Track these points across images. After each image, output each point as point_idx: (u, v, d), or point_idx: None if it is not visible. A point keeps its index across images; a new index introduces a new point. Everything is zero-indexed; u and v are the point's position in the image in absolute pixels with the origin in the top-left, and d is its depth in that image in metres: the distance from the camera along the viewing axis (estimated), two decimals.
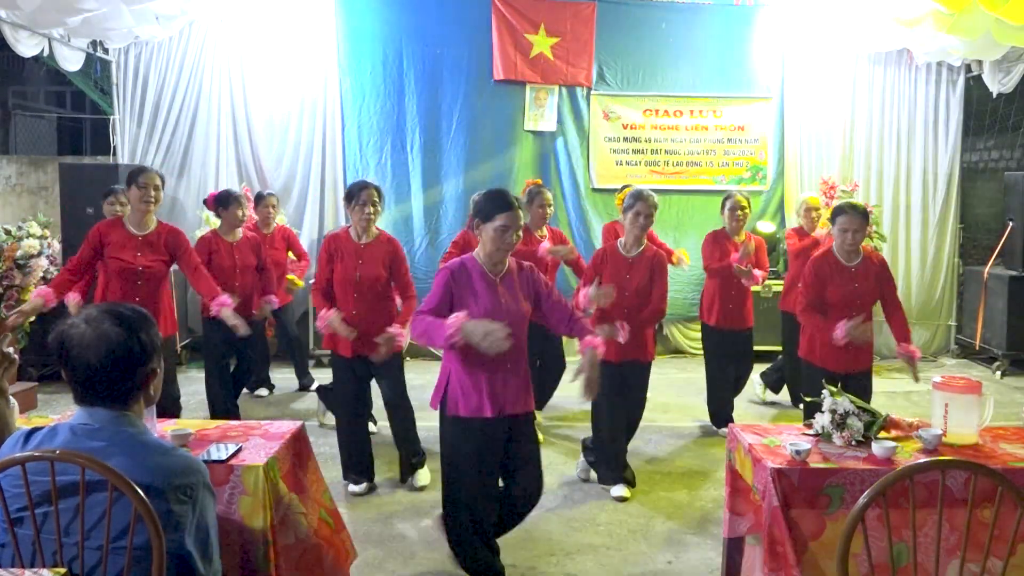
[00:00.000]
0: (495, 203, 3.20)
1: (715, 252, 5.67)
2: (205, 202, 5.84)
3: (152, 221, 4.57)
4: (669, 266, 4.83)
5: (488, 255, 3.22)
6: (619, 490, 4.52)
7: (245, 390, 6.36)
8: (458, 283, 3.18)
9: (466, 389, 3.20)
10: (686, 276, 7.67)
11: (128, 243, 4.49)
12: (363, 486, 4.56)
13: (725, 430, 5.38)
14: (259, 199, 6.51)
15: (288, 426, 3.10)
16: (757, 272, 5.57)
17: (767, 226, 8.05)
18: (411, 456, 4.67)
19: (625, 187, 5.90)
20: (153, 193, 4.50)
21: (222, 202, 5.58)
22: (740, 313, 5.69)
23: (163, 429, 2.92)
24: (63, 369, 1.89)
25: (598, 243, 7.97)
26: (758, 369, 6.29)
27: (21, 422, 2.87)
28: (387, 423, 4.84)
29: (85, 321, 1.88)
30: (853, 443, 2.94)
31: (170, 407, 4.55)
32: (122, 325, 1.88)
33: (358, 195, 4.44)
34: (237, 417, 5.58)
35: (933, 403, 3.07)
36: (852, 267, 4.16)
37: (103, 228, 4.53)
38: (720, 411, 5.71)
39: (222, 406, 5.50)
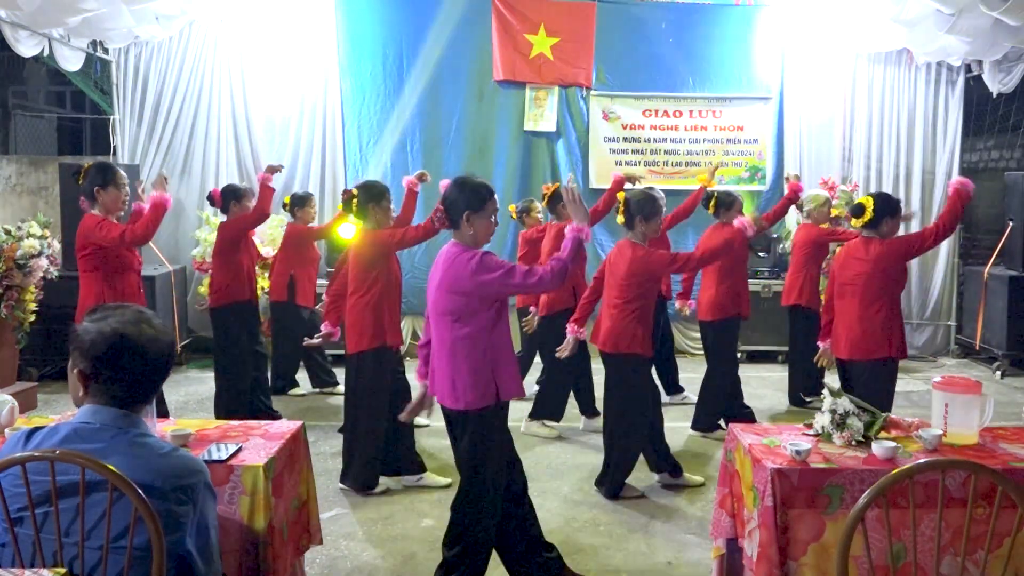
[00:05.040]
0: (482, 191, 3.23)
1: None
2: (209, 198, 5.79)
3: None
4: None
5: (479, 243, 3.24)
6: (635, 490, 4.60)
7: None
8: None
9: (510, 373, 3.20)
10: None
11: None
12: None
13: (721, 431, 5.45)
14: (303, 201, 6.45)
15: (288, 426, 3.10)
16: None
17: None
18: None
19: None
20: (128, 190, 4.48)
21: (235, 195, 5.57)
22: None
23: (163, 429, 2.91)
24: (104, 369, 1.87)
25: (597, 244, 7.99)
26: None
27: (21, 422, 2.88)
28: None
29: (139, 322, 1.90)
30: (853, 443, 2.94)
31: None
32: (167, 329, 1.98)
33: (387, 194, 4.57)
34: (276, 416, 5.60)
35: (933, 403, 3.07)
36: None
37: (98, 224, 4.28)
38: (732, 408, 5.65)
39: (257, 405, 5.53)
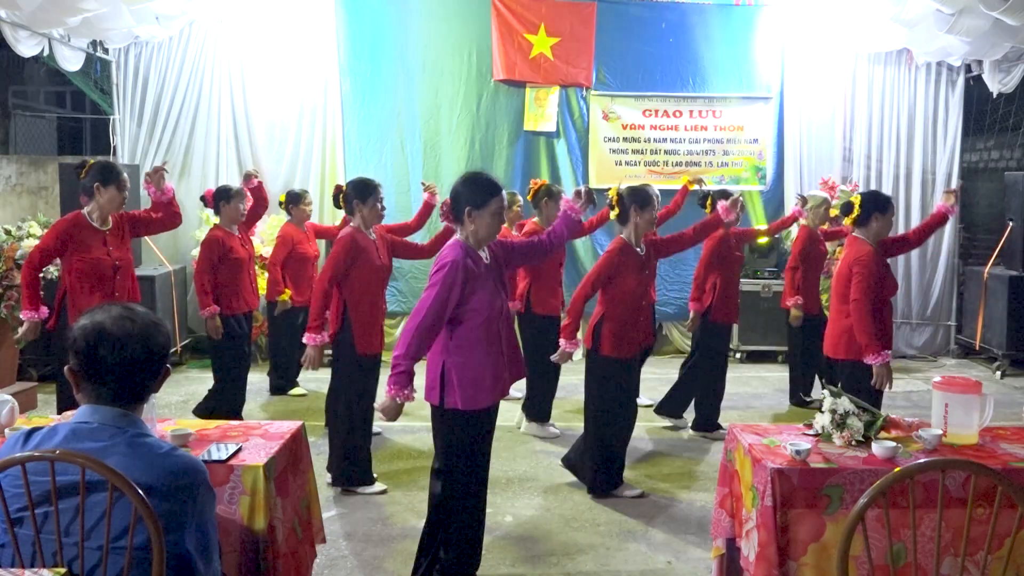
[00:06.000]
0: (486, 189, 3.22)
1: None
2: (203, 198, 5.80)
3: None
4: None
5: (480, 240, 3.24)
6: (634, 489, 4.56)
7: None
8: (469, 275, 3.13)
9: (474, 382, 3.15)
10: (689, 276, 7.66)
11: (96, 238, 4.36)
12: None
13: (720, 432, 5.45)
14: (299, 198, 6.42)
15: (288, 426, 3.09)
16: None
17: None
18: None
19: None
20: (127, 194, 4.45)
21: (224, 196, 5.55)
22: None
23: (163, 429, 2.91)
24: (86, 364, 1.86)
25: (597, 244, 7.99)
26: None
27: (21, 422, 2.88)
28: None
29: (122, 317, 1.89)
30: (853, 443, 2.94)
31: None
32: (154, 322, 1.94)
33: (376, 191, 4.54)
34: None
35: (933, 403, 3.07)
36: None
37: (69, 226, 4.32)
38: (714, 415, 5.68)
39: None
